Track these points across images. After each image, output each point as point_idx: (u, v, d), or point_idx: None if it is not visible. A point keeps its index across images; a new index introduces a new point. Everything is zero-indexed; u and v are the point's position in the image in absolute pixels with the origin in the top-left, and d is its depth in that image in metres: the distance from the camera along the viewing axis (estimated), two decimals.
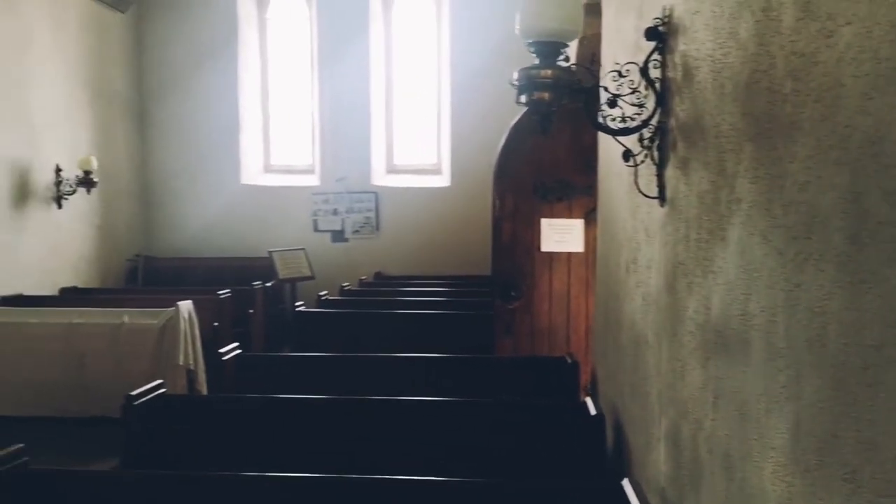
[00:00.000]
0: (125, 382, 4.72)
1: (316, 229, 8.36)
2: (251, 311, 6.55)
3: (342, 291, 6.25)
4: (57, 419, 4.77)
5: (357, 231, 8.30)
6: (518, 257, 4.14)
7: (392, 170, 8.70)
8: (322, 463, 2.36)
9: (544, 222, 4.13)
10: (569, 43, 1.68)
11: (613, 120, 1.68)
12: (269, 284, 7.18)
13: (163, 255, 8.20)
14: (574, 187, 4.14)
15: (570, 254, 4.20)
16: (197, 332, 5.18)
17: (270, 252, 4.94)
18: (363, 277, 7.37)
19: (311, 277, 5.21)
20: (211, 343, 5.49)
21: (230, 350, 3.35)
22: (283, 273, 4.91)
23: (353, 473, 2.12)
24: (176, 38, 8.27)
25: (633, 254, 2.05)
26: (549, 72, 1.63)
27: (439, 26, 8.53)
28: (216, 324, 5.65)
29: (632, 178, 2.07)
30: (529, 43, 1.69)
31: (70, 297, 6.39)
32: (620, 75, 1.64)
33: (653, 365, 1.74)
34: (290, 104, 8.85)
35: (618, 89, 1.66)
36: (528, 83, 1.65)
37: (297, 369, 3.42)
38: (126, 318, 5.02)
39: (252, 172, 8.60)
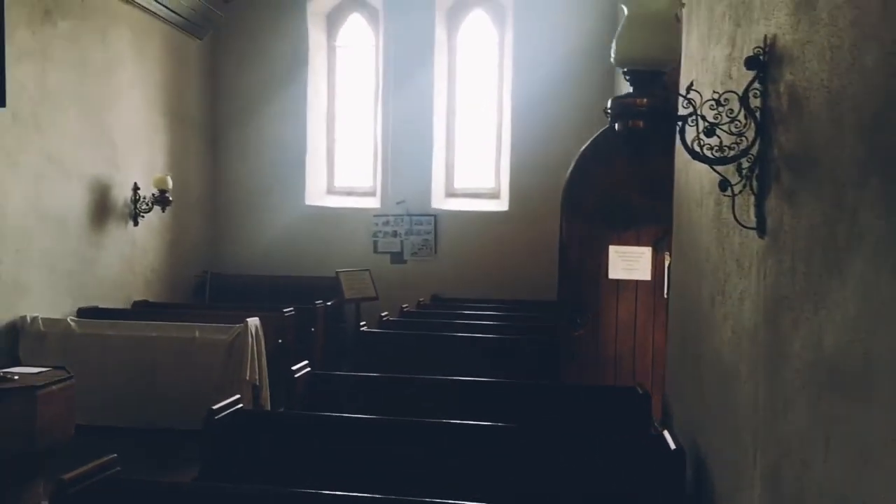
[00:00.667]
0: (194, 395, 4.89)
1: (376, 250, 8.47)
2: (313, 328, 6.68)
3: (402, 312, 6.29)
4: (128, 429, 4.93)
5: (415, 253, 8.37)
6: (585, 284, 4.10)
7: (451, 193, 8.76)
8: (389, 483, 2.37)
9: (612, 250, 4.09)
10: (665, 70, 1.67)
11: (710, 149, 1.66)
12: (330, 303, 7.31)
13: (229, 271, 8.43)
14: (642, 215, 4.09)
15: (637, 282, 4.13)
16: (263, 348, 5.30)
17: (337, 272, 5.03)
18: (421, 299, 7.41)
19: (376, 298, 5.28)
20: (274, 359, 5.62)
21: (301, 367, 3.41)
22: (349, 293, 4.99)
23: (417, 497, 2.11)
24: (249, 64, 8.58)
25: (721, 285, 2.01)
26: (644, 100, 1.63)
27: (501, 53, 8.61)
28: (280, 341, 5.76)
29: (719, 207, 2.04)
30: (625, 71, 1.69)
31: (142, 310, 6.63)
32: (718, 104, 1.63)
33: (746, 401, 1.69)
34: (353, 128, 9.05)
35: (715, 118, 1.64)
36: (623, 111, 1.65)
37: (365, 389, 3.45)
38: (197, 333, 5.17)
39: (316, 194, 8.80)
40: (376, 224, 8.49)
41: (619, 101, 1.69)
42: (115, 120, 6.66)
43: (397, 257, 8.40)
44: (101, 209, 6.47)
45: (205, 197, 8.46)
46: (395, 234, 8.45)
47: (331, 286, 7.94)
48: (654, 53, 1.63)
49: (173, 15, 7.40)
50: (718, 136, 1.64)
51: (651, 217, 4.06)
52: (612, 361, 4.11)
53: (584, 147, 4.17)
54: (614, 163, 4.05)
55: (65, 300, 5.98)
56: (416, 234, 8.39)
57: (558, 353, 4.11)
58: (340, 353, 7.64)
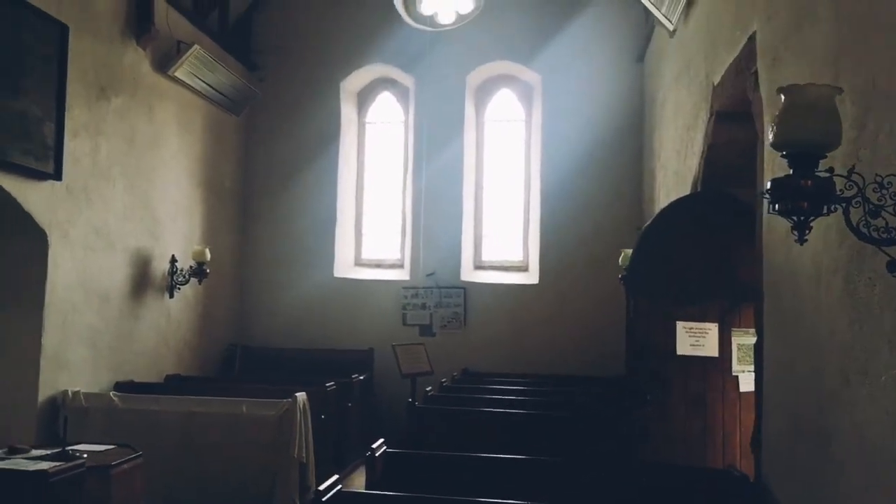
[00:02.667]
0: (241, 473, 4.74)
1: (405, 323, 8.42)
2: (349, 403, 6.55)
3: (442, 388, 6.19)
4: None
5: (445, 326, 8.32)
6: (653, 361, 4.06)
7: (479, 266, 8.80)
8: None
9: (679, 325, 4.08)
10: (826, 154, 1.71)
11: (876, 230, 1.68)
12: (362, 377, 7.21)
13: (257, 343, 8.35)
14: (708, 291, 4.10)
15: (705, 358, 4.10)
16: (310, 424, 5.18)
17: (393, 346, 4.98)
18: (455, 374, 7.30)
19: (431, 372, 5.20)
20: (317, 435, 5.48)
21: (379, 446, 3.32)
22: (405, 368, 4.92)
23: None
24: (282, 139, 8.77)
25: (861, 364, 1.99)
26: (808, 181, 1.66)
27: (529, 129, 8.83)
28: (322, 416, 5.64)
29: (852, 286, 2.04)
30: (785, 154, 1.73)
31: (176, 384, 6.51)
32: (881, 187, 1.66)
33: None
34: (382, 201, 9.17)
35: (879, 200, 1.67)
36: (785, 192, 1.68)
37: (446, 468, 3.36)
38: (244, 408, 5.07)
39: (344, 266, 8.83)
40: (405, 296, 8.47)
41: (780, 182, 1.72)
42: (157, 192, 6.75)
43: (426, 330, 8.34)
44: (141, 281, 6.47)
45: (235, 269, 8.48)
46: (424, 306, 8.43)
47: (361, 359, 7.88)
48: (815, 138, 1.67)
49: (214, 93, 7.61)
50: (884, 218, 1.67)
51: (717, 292, 4.07)
52: (682, 440, 4.02)
53: (647, 224, 4.23)
54: (678, 239, 4.10)
55: (103, 374, 5.89)
56: (446, 307, 8.36)
57: (630, 431, 4.03)
58: (375, 428, 7.47)
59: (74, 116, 5.46)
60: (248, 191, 8.75)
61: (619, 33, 8.29)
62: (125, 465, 3.37)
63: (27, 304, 5.14)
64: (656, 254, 4.12)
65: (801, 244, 1.79)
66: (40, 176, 5.08)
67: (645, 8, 7.65)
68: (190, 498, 4.82)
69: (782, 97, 1.77)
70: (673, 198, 5.77)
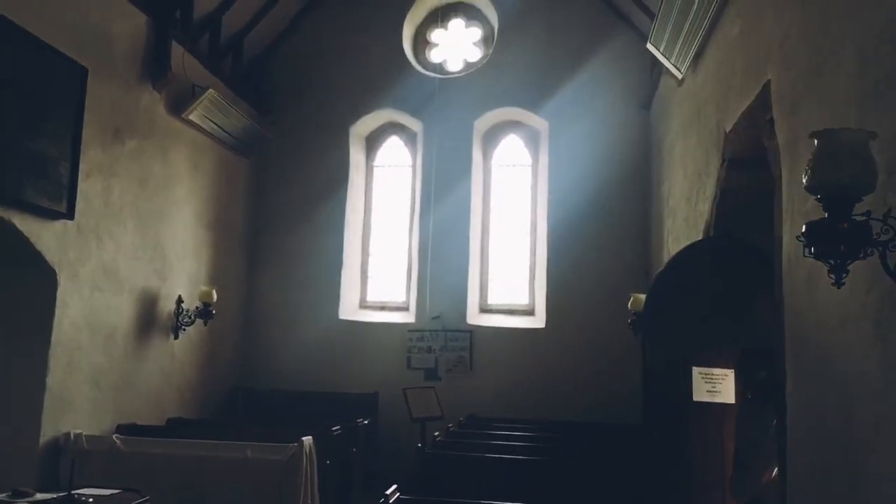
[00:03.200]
0: None
1: (409, 366, 8.33)
2: (354, 448, 6.43)
3: (449, 433, 6.08)
4: None
5: (450, 370, 8.23)
6: (670, 408, 4.00)
7: (485, 309, 8.76)
8: None
9: (695, 371, 4.03)
10: (861, 197, 1.71)
11: None
12: (367, 421, 7.10)
13: (259, 386, 8.24)
14: (723, 336, 4.06)
15: (723, 405, 4.04)
16: (315, 468, 5.08)
17: (404, 390, 4.90)
18: (461, 419, 7.18)
19: (441, 417, 5.11)
20: (322, 481, 5.37)
21: (393, 492, 3.25)
22: (415, 412, 4.83)
23: None
24: (292, 182, 8.84)
25: (893, 410, 1.95)
26: (844, 224, 1.66)
27: (535, 174, 8.90)
28: (328, 461, 5.53)
29: (883, 330, 2.02)
30: (819, 197, 1.73)
31: (178, 427, 6.40)
32: None
33: None
34: (388, 243, 9.19)
35: None
36: (821, 236, 1.68)
37: None
38: (249, 452, 4.97)
39: (349, 308, 8.78)
40: (411, 339, 8.41)
41: (816, 225, 1.72)
42: (167, 233, 6.77)
43: (432, 373, 8.24)
44: (147, 322, 6.43)
45: (240, 310, 8.43)
46: (429, 349, 8.35)
47: (366, 402, 7.77)
48: (850, 181, 1.68)
49: (227, 136, 7.70)
50: None
51: (732, 338, 4.04)
52: (702, 487, 3.93)
53: (660, 270, 4.23)
54: (693, 284, 4.09)
55: (106, 416, 5.80)
56: (452, 350, 8.29)
57: (652, 478, 3.94)
58: (379, 474, 7.33)
59: (89, 158, 5.51)
60: (256, 233, 8.78)
61: (625, 81, 8.43)
62: None
63: (33, 342, 5.09)
64: (670, 299, 4.10)
65: (839, 287, 1.77)
66: (53, 215, 5.10)
67: (651, 57, 7.83)
68: None
69: (815, 141, 1.78)
70: (683, 243, 5.78)
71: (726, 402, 4.03)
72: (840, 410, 2.36)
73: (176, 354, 6.93)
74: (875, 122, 2.09)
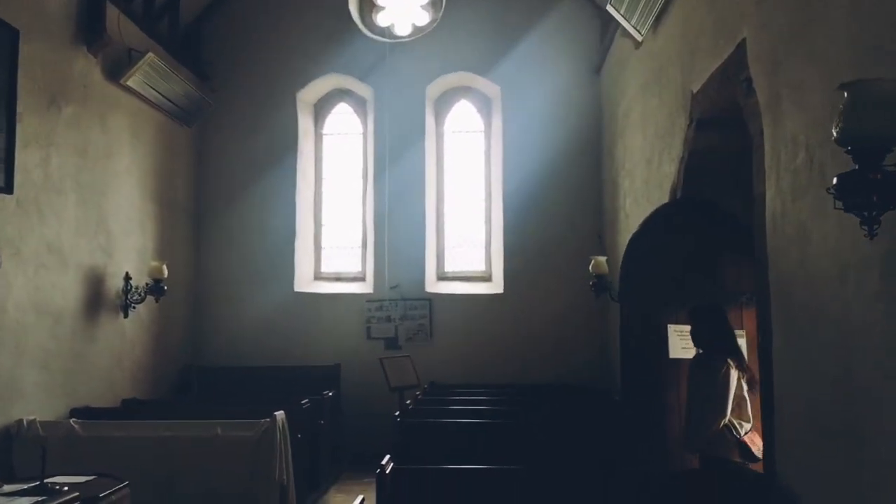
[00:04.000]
0: (219, 500, 4.49)
1: (369, 336, 8.26)
2: (321, 420, 6.35)
3: (417, 401, 6.07)
4: None
5: (410, 338, 8.19)
6: (646, 365, 4.09)
7: (442, 277, 8.73)
8: None
9: (670, 329, 4.12)
10: (893, 148, 1.73)
11: None
12: (330, 394, 7.00)
13: (214, 363, 8.00)
14: (696, 294, 4.16)
15: None
16: (289, 444, 4.97)
17: (381, 359, 4.81)
18: (425, 386, 7.17)
19: (419, 385, 5.05)
20: (294, 455, 5.27)
21: (387, 463, 3.20)
22: (393, 382, 4.77)
23: None
24: (236, 151, 8.50)
25: None
26: (877, 175, 1.68)
27: (489, 141, 8.86)
28: (299, 435, 5.43)
29: (889, 280, 2.08)
30: (849, 149, 1.75)
31: (134, 409, 6.15)
32: None
33: None
34: (340, 214, 9.00)
35: None
36: (854, 187, 1.69)
37: (456, 482, 3.27)
38: (219, 430, 4.82)
39: (304, 280, 8.60)
40: (369, 309, 8.32)
41: (848, 177, 1.74)
42: (110, 206, 6.40)
43: (392, 343, 8.19)
44: (94, 301, 6.10)
45: (189, 286, 8.12)
46: (389, 319, 8.29)
47: (328, 375, 7.66)
48: (882, 131, 1.69)
49: (167, 103, 7.31)
50: None
51: (705, 295, 4.14)
52: (675, 441, 4.05)
53: (634, 231, 4.27)
54: (666, 245, 4.15)
55: (58, 401, 5.51)
56: (411, 319, 8.25)
57: (630, 434, 4.03)
58: (344, 446, 7.29)
59: (25, 126, 5.12)
60: (200, 205, 8.43)
61: (576, 45, 8.43)
62: (113, 497, 3.12)
63: None
64: (643, 261, 4.16)
65: (872, 238, 1.80)
66: None
67: (603, 21, 7.85)
68: None
69: (845, 94, 1.79)
70: (643, 205, 5.89)
71: None
72: (837, 364, 2.44)
73: (126, 334, 6.63)
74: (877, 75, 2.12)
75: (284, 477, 4.82)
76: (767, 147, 3.14)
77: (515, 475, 3.39)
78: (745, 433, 3.76)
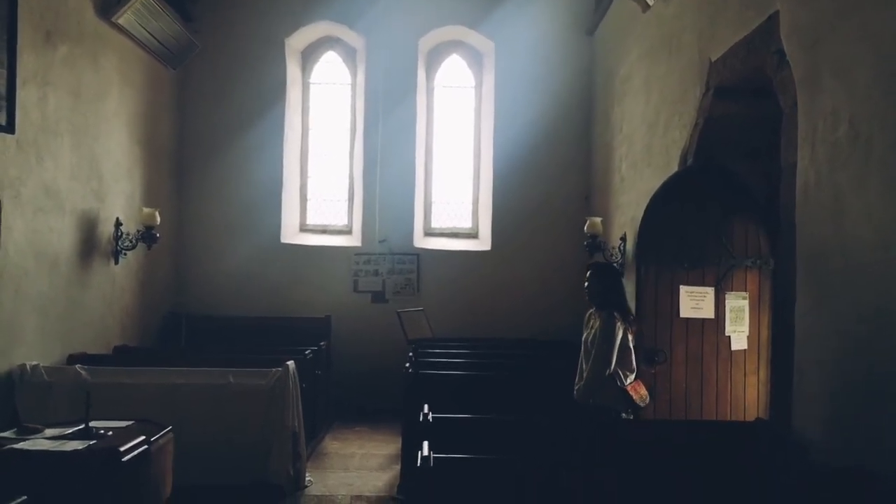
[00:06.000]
0: (232, 446, 4.56)
1: (356, 289, 8.31)
2: (318, 371, 6.43)
3: (418, 354, 6.19)
4: None
5: (398, 292, 8.27)
6: (660, 323, 4.28)
7: (429, 233, 8.79)
8: None
9: (682, 290, 4.31)
10: None
11: None
12: (323, 345, 7.07)
13: (195, 311, 7.92)
14: (708, 256, 4.35)
15: (703, 320, 4.37)
16: (299, 392, 5.04)
17: (399, 313, 4.87)
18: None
19: (433, 337, 5.16)
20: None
21: (427, 412, 3.31)
22: (410, 334, 4.85)
23: None
24: (221, 97, 8.27)
25: None
26: None
27: (479, 97, 8.85)
28: (304, 385, 5.49)
29: None
30: None
31: (126, 355, 6.10)
32: None
33: None
34: (327, 165, 8.91)
35: None
36: None
37: (486, 430, 3.42)
38: (231, 378, 4.85)
39: (290, 232, 8.54)
40: (357, 263, 8.34)
41: None
42: (102, 150, 6.20)
43: (379, 296, 8.27)
44: (88, 246, 5.96)
45: (173, 234, 7.96)
46: (376, 273, 8.34)
47: (318, 327, 7.70)
48: None
49: (155, 43, 7.04)
50: None
51: (715, 257, 4.33)
52: (683, 397, 4.29)
53: (654, 192, 4.40)
54: (683, 205, 4.31)
55: (55, 347, 5.42)
56: (399, 273, 8.32)
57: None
58: (335, 396, 7.39)
59: (24, 63, 4.88)
60: (185, 152, 8.21)
61: (570, 5, 8.43)
62: (161, 441, 3.15)
63: None
64: (661, 221, 4.31)
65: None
66: None
67: None
68: (182, 475, 4.56)
69: None
70: (643, 169, 6.04)
71: (707, 317, 4.36)
72: (867, 325, 2.63)
73: (116, 281, 6.51)
74: None
75: (296, 424, 4.90)
76: (802, 119, 3.28)
77: (538, 425, 3.56)
78: (629, 383, 4.13)
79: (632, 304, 4.33)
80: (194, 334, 7.60)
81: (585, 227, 6.73)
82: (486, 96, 8.72)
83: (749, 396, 4.46)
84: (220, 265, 8.20)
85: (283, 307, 8.05)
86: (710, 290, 4.39)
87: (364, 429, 7.01)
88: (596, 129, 8.10)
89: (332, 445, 6.32)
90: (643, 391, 4.17)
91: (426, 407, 3.40)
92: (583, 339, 4.33)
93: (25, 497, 1.86)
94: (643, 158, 6.05)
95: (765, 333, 4.43)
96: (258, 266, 8.21)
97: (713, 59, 4.51)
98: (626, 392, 4.10)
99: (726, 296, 4.42)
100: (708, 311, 4.38)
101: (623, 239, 6.43)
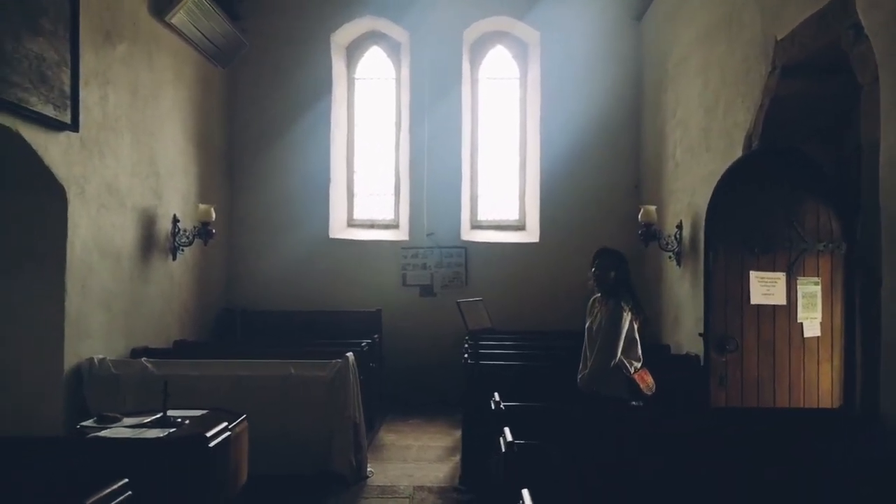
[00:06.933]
0: (297, 438, 4.59)
1: (404, 283, 8.31)
2: (372, 364, 6.45)
3: (473, 346, 6.15)
4: None
5: (446, 286, 8.26)
6: (730, 310, 4.16)
7: (476, 225, 8.75)
8: None
9: (753, 275, 4.19)
10: None
11: None
12: (377, 337, 7.09)
13: (248, 306, 8.02)
14: (778, 240, 4.22)
15: (774, 307, 4.24)
16: (359, 384, 5.06)
17: (458, 303, 4.86)
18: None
19: (492, 328, 5.14)
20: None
21: (499, 400, 3.28)
22: (471, 324, 4.83)
23: None
24: (269, 94, 8.35)
25: None
26: None
27: (524, 88, 8.76)
28: (361, 377, 5.51)
29: None
30: None
31: (186, 350, 6.20)
32: None
33: None
34: (372, 160, 8.93)
35: None
36: None
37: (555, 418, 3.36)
38: (293, 370, 4.88)
39: (338, 227, 8.58)
40: (405, 257, 8.34)
41: None
42: (158, 147, 6.32)
43: (427, 290, 8.27)
44: (147, 242, 6.07)
45: (223, 230, 8.07)
46: (424, 266, 8.33)
47: (369, 320, 7.73)
48: None
49: (206, 42, 7.14)
50: None
51: (785, 242, 4.20)
52: (755, 385, 4.17)
53: (721, 175, 4.28)
54: (751, 188, 4.19)
55: (119, 341, 5.54)
56: (447, 267, 8.30)
57: (706, 379, 4.14)
58: (385, 390, 7.42)
59: (85, 62, 4.99)
60: (234, 149, 8.32)
61: None
62: (237, 429, 3.18)
63: (48, 266, 4.74)
64: (730, 205, 4.20)
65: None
66: (58, 126, 4.64)
67: None
68: (248, 464, 4.62)
69: None
70: (701, 154, 5.90)
71: (778, 303, 4.23)
72: None
73: (174, 277, 6.63)
74: None
75: (356, 415, 4.91)
76: (885, 93, 3.15)
77: (610, 416, 3.49)
78: (635, 371, 4.02)
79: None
80: (248, 329, 7.71)
81: (639, 216, 6.60)
82: (532, 87, 8.63)
83: (823, 385, 4.32)
84: (270, 261, 8.29)
85: (332, 302, 8.10)
86: (782, 276, 4.25)
87: (418, 421, 7.02)
88: (646, 115, 7.95)
89: (388, 437, 6.34)
90: (650, 380, 4.08)
91: (496, 395, 3.35)
92: (586, 326, 4.23)
93: (126, 480, 1.89)
94: (700, 143, 5.91)
95: (838, 320, 4.28)
96: (307, 261, 8.27)
97: (779, 38, 4.36)
98: (634, 381, 4.01)
99: (798, 281, 4.28)
100: (779, 298, 4.25)
101: (679, 226, 6.29)
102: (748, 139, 4.76)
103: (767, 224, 4.23)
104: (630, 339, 4.04)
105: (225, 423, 3.14)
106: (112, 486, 1.82)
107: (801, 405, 4.25)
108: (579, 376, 4.17)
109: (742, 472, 2.62)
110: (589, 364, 4.12)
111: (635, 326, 4.09)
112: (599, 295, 4.23)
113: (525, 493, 1.84)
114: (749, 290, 4.19)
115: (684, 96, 6.43)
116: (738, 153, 4.85)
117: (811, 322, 4.29)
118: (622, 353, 4.04)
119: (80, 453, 2.54)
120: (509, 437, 2.50)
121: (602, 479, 2.40)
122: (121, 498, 1.82)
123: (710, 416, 3.58)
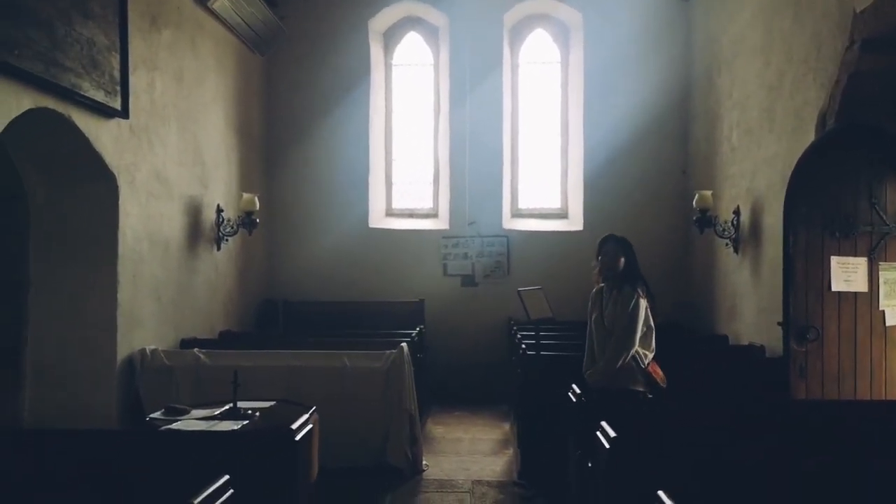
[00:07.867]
0: (353, 429, 4.49)
1: (445, 273, 8.18)
2: (419, 355, 6.33)
3: (524, 335, 6.01)
4: None
5: (488, 275, 8.11)
6: (810, 297, 3.97)
7: (516, 214, 8.58)
8: None
9: (834, 261, 3.99)
10: None
11: None
12: (422, 328, 6.98)
13: (289, 296, 7.95)
14: (859, 224, 4.02)
15: (855, 294, 4.04)
16: (412, 374, 4.94)
17: (519, 291, 4.72)
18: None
19: (553, 317, 4.99)
20: None
21: (580, 392, 3.13)
22: (533, 314, 4.69)
23: None
24: (306, 81, 8.24)
25: None
26: None
27: (566, 72, 8.55)
28: (413, 368, 5.39)
29: None
30: None
31: (233, 340, 6.13)
32: None
33: None
34: (411, 148, 8.79)
35: None
36: None
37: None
38: (346, 361, 4.78)
39: (377, 216, 8.46)
40: (445, 246, 8.21)
41: None
42: (202, 135, 6.24)
43: (469, 280, 8.13)
44: (194, 232, 6.01)
45: (265, 220, 7.99)
46: (465, 255, 8.19)
47: (412, 311, 7.62)
48: None
49: (247, 29, 7.04)
50: None
51: (867, 224, 3.99)
52: (837, 376, 3.98)
53: (799, 158, 4.07)
54: (831, 169, 3.98)
55: (168, 331, 5.48)
56: (489, 256, 8.15)
57: (786, 370, 3.95)
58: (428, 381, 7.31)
59: (133, 48, 4.90)
60: (273, 137, 8.23)
61: None
62: (311, 424, 3.07)
63: (100, 256, 4.68)
64: (810, 188, 4.00)
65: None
66: (109, 113, 4.57)
67: None
68: None
69: None
70: (762, 135, 5.67)
71: (860, 290, 4.03)
72: None
73: (218, 266, 6.56)
74: None
75: (412, 407, 4.80)
76: None
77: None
78: (648, 363, 3.78)
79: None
80: (290, 320, 7.64)
81: (694, 202, 6.39)
82: (574, 70, 8.42)
83: (659, 373, 3.98)
84: (310, 251, 8.21)
85: (372, 292, 8.00)
86: (863, 261, 4.06)
87: (463, 413, 6.90)
88: (695, 98, 7.70)
89: (437, 430, 6.23)
90: (661, 372, 3.81)
91: (575, 387, 3.20)
92: (592, 318, 3.97)
93: (228, 477, 1.78)
94: (761, 124, 5.67)
95: None
96: (346, 251, 8.17)
97: (858, 10, 4.12)
98: (648, 373, 3.76)
99: (880, 266, 4.07)
100: (861, 284, 4.06)
101: (737, 212, 6.06)
102: (821, 117, 4.53)
103: (848, 206, 4.03)
104: (647, 328, 3.80)
105: (305, 416, 3.03)
106: (214, 483, 1.72)
107: (883, 398, 4.05)
108: (587, 371, 3.89)
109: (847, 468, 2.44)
110: (604, 356, 3.82)
111: (650, 315, 3.86)
112: (604, 285, 3.96)
113: (661, 494, 1.68)
114: (830, 277, 4.00)
115: (741, 76, 6.19)
116: (810, 133, 4.63)
117: (893, 310, 4.09)
118: (638, 343, 3.79)
119: (172, 447, 2.45)
120: (611, 433, 2.33)
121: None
122: (224, 497, 1.71)
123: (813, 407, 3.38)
